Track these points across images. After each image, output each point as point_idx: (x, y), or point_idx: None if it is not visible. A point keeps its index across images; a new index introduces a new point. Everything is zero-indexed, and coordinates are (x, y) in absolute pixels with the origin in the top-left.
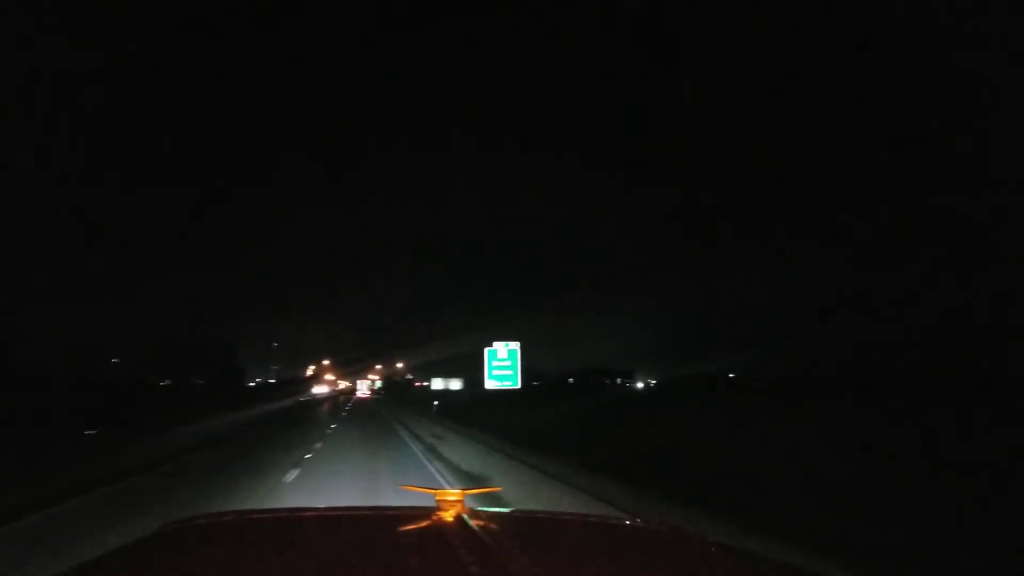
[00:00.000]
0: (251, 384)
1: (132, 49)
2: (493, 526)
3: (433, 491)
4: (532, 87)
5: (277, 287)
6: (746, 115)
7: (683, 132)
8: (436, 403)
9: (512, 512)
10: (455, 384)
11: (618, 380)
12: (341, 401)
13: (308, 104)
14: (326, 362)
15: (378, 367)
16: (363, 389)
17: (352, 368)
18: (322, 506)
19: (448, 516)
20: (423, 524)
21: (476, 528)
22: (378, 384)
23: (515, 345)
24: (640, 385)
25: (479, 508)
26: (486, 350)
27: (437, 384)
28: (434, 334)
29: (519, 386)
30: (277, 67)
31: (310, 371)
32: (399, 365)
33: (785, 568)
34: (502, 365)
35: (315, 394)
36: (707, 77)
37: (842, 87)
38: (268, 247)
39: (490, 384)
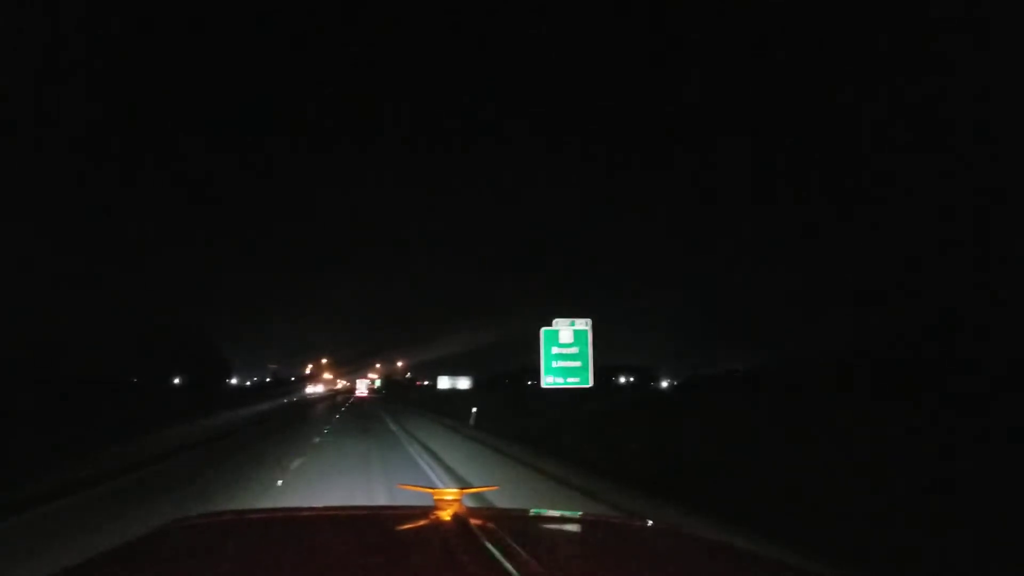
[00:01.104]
0: (247, 383)
1: (124, 42)
2: (491, 525)
3: (431, 490)
4: (535, 74)
5: (276, 285)
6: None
7: (691, 128)
8: (475, 410)
9: (510, 511)
10: (463, 383)
11: (622, 379)
12: (339, 401)
13: (310, 97)
14: (324, 360)
15: (377, 366)
16: (362, 388)
17: (351, 367)
18: (320, 506)
19: (446, 515)
20: (421, 523)
21: (474, 527)
22: (377, 383)
23: (585, 324)
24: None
25: (477, 507)
26: (542, 331)
27: (443, 383)
28: (433, 334)
29: (591, 384)
30: (277, 63)
31: (308, 369)
32: (399, 364)
33: (783, 567)
34: (566, 354)
35: (308, 394)
36: (717, 66)
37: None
38: (269, 246)
39: (548, 381)
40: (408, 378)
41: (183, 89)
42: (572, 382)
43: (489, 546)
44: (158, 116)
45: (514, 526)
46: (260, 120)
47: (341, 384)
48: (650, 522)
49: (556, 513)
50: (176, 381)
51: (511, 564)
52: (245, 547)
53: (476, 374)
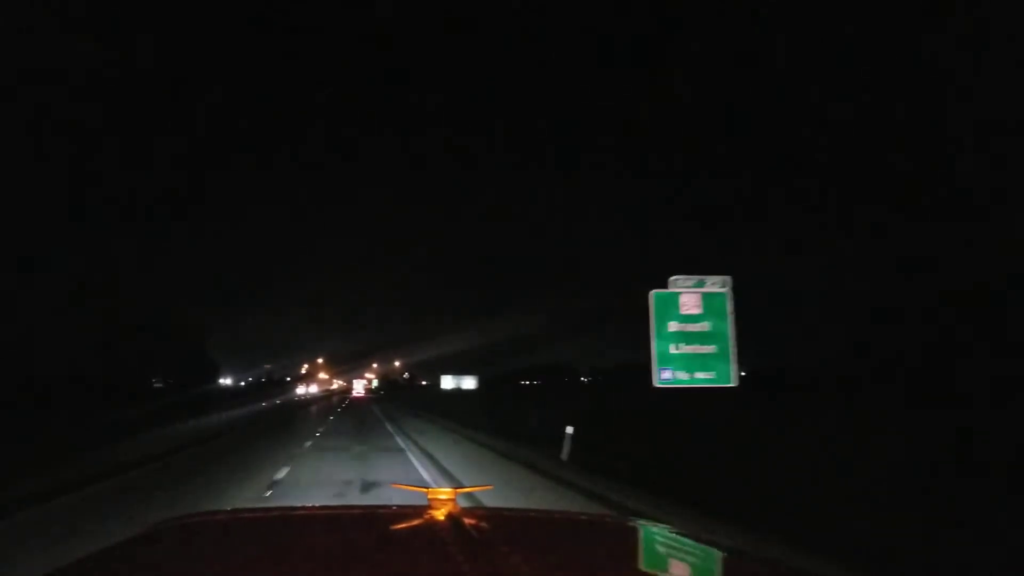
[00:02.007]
0: (242, 383)
1: (124, 41)
2: (484, 524)
3: (425, 490)
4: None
5: (273, 284)
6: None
7: (687, 127)
8: (570, 431)
9: (503, 511)
10: (467, 383)
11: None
12: (334, 403)
13: (310, 91)
14: (320, 360)
15: (374, 365)
16: (358, 388)
17: (347, 366)
18: (314, 504)
19: (440, 515)
20: (415, 522)
21: (468, 526)
22: (375, 383)
23: (721, 284)
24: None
25: (471, 507)
26: (652, 295)
27: (447, 383)
28: (431, 333)
29: (735, 382)
30: (276, 62)
31: (304, 369)
32: (396, 364)
33: (782, 567)
34: (693, 332)
35: (298, 396)
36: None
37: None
38: (267, 245)
39: (665, 376)
40: (406, 378)
41: (182, 88)
42: (703, 379)
43: (483, 545)
44: (152, 112)
45: (508, 526)
46: (257, 121)
47: (337, 384)
48: (649, 522)
49: (551, 513)
50: (166, 383)
51: (505, 564)
52: (239, 546)
53: (475, 373)
